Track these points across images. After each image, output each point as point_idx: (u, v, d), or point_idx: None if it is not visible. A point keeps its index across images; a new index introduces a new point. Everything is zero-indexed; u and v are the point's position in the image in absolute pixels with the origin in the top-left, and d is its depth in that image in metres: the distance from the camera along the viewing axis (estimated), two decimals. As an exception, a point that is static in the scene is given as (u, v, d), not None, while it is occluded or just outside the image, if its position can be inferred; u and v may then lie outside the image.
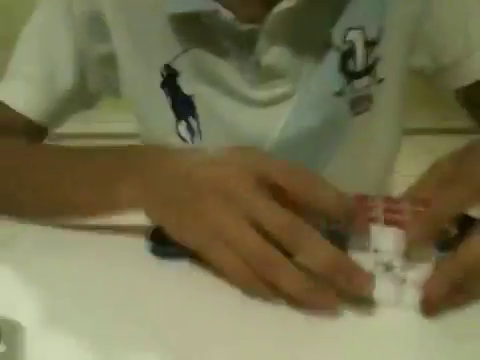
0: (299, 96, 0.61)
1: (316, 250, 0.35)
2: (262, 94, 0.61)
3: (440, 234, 0.40)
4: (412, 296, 0.35)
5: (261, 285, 0.36)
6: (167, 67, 0.61)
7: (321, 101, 0.61)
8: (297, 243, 0.35)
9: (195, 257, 0.39)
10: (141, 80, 0.63)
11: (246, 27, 0.56)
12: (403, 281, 0.36)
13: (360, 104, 0.62)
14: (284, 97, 0.61)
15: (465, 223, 0.43)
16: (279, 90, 0.60)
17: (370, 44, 0.60)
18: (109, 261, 0.41)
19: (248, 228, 0.36)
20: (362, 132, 0.64)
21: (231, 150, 0.41)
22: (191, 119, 0.62)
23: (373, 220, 0.37)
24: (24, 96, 0.62)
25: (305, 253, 0.35)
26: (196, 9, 0.56)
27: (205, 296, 0.37)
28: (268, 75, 0.59)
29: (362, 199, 0.40)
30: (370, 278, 0.34)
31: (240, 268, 0.36)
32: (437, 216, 0.39)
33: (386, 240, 0.36)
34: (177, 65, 0.61)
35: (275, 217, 0.36)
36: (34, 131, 0.64)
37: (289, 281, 0.35)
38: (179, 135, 0.63)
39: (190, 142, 0.63)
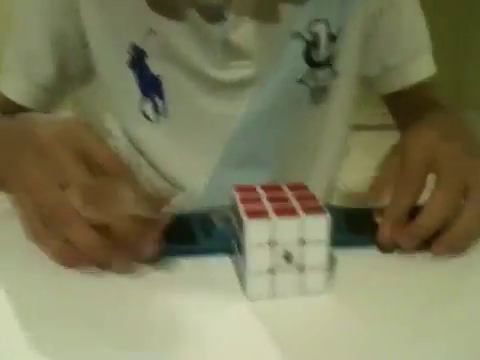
0: (263, 79, 0.63)
1: (79, 232, 0.37)
2: (227, 75, 0.62)
3: None
4: (314, 281, 0.37)
5: (49, 240, 0.38)
6: (134, 47, 0.61)
7: (284, 86, 0.63)
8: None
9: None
10: (109, 57, 0.63)
11: (215, 1, 0.58)
12: (302, 268, 0.37)
13: (319, 95, 0.66)
14: (249, 80, 0.62)
15: None
16: (244, 72, 0.62)
17: (331, 37, 0.63)
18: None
19: (51, 182, 0.38)
20: (317, 123, 0.68)
21: (66, 120, 0.43)
22: (157, 99, 0.63)
23: (262, 213, 0.36)
24: (14, 85, 0.66)
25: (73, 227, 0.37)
26: None
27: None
28: (234, 55, 0.61)
29: (245, 190, 0.40)
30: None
31: (32, 220, 0.39)
32: (429, 229, 0.42)
33: (281, 231, 0.35)
34: (145, 45, 0.61)
35: (76, 180, 0.38)
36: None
37: (79, 235, 0.37)
38: (144, 114, 0.64)
39: (155, 121, 0.64)
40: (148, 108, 0.64)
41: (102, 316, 0.35)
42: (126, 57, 0.62)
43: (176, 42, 0.61)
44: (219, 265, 0.42)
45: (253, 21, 0.60)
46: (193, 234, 0.44)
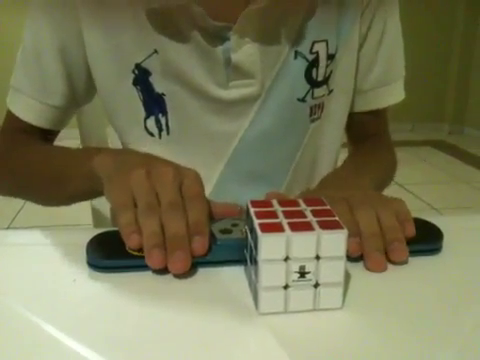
0: (265, 98, 0.64)
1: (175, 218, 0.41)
2: (230, 94, 0.62)
3: None
4: (329, 297, 0.36)
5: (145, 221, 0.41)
6: (138, 66, 0.62)
7: (285, 105, 0.65)
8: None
9: (132, 269, 0.41)
10: (112, 76, 0.64)
11: (218, 24, 0.59)
12: (317, 284, 0.36)
13: (316, 112, 0.67)
14: (251, 98, 0.63)
15: None
16: (247, 91, 0.63)
17: (330, 57, 0.65)
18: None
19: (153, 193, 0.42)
20: (315, 139, 0.70)
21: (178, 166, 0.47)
22: (160, 116, 0.64)
23: (278, 227, 0.35)
24: (26, 107, 0.67)
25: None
26: (168, 5, 0.58)
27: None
28: (237, 74, 0.62)
29: (260, 205, 0.39)
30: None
31: (128, 206, 0.42)
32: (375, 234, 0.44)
33: (297, 247, 0.35)
34: (148, 65, 0.62)
35: (168, 197, 0.42)
36: (44, 132, 0.69)
37: (174, 221, 0.40)
38: (147, 130, 0.65)
39: (157, 137, 0.65)
40: (151, 125, 0.65)
41: (104, 330, 0.35)
42: (130, 77, 0.63)
43: (179, 62, 0.61)
44: (230, 276, 0.42)
45: (256, 42, 0.61)
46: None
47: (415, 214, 0.47)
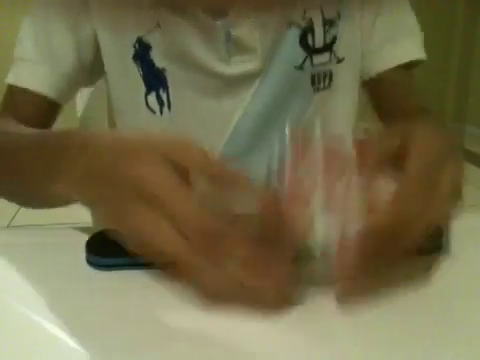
0: (265, 71, 0.64)
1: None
2: (231, 69, 0.63)
3: None
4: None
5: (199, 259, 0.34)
6: (140, 40, 0.62)
7: (284, 74, 0.65)
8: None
9: (132, 267, 0.41)
10: (114, 50, 0.64)
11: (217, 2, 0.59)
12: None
13: (320, 80, 0.66)
14: (252, 73, 0.64)
15: None
16: (248, 65, 0.63)
17: (328, 23, 0.64)
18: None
19: (171, 230, 0.34)
20: (323, 109, 0.68)
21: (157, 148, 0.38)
22: (161, 91, 0.64)
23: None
24: (33, 74, 0.65)
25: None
26: None
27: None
28: (237, 49, 0.62)
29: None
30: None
31: (182, 253, 0.34)
32: None
33: (325, 228, 0.33)
34: (150, 39, 0.62)
35: (194, 223, 0.34)
36: (46, 108, 0.67)
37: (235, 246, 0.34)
38: (148, 106, 0.65)
39: (159, 113, 0.65)
40: (152, 101, 0.65)
41: (104, 330, 0.35)
42: (132, 51, 0.63)
43: (181, 37, 0.62)
44: None
45: (253, 16, 0.61)
46: None
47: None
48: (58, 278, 0.41)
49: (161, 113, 0.65)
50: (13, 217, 2.40)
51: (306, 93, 0.66)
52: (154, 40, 0.62)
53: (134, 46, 0.63)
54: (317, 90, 0.67)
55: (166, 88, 0.64)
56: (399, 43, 0.69)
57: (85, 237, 0.44)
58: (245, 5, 0.61)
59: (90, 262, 0.42)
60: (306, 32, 0.64)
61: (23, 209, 2.46)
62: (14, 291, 0.39)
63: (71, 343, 0.33)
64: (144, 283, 0.40)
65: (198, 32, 0.61)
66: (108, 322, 0.35)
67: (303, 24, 0.64)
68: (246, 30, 0.61)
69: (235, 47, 0.62)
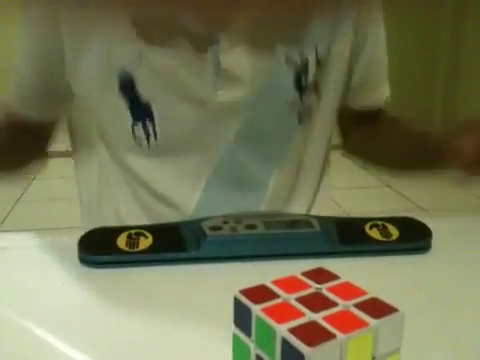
0: (254, 102, 0.62)
1: None
2: (218, 98, 0.61)
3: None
4: None
5: None
6: (123, 71, 0.61)
7: (274, 110, 0.64)
8: None
9: (124, 265, 0.42)
10: (97, 83, 0.63)
11: (208, 29, 0.58)
12: None
13: (303, 116, 0.67)
14: (239, 103, 0.62)
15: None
16: (236, 94, 0.61)
17: (319, 62, 0.64)
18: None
19: None
20: (302, 141, 0.69)
21: None
22: (148, 121, 0.63)
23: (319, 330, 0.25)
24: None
25: None
26: (154, 15, 0.57)
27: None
28: (226, 78, 0.60)
29: (256, 294, 0.28)
30: None
31: None
32: None
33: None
34: (134, 70, 0.60)
35: None
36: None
37: None
38: (134, 137, 0.64)
39: (145, 143, 0.64)
40: (139, 131, 0.64)
41: (95, 331, 0.35)
42: (115, 83, 0.61)
43: (166, 66, 0.60)
44: (222, 273, 0.42)
45: (246, 46, 0.60)
46: (184, 242, 0.44)
47: (405, 214, 0.47)
48: (49, 281, 0.41)
49: (148, 143, 0.64)
50: (2, 222, 2.39)
51: (291, 127, 0.67)
52: (138, 71, 0.60)
53: (118, 77, 0.61)
54: (300, 122, 0.67)
55: (152, 119, 0.63)
56: (373, 87, 0.73)
57: (75, 239, 0.44)
58: (238, 37, 0.59)
59: (82, 260, 0.42)
60: (301, 71, 0.63)
61: (12, 214, 2.44)
62: (5, 295, 0.39)
63: (62, 345, 0.33)
64: (135, 282, 0.40)
65: (184, 61, 0.59)
66: (99, 324, 0.35)
67: (299, 64, 0.63)
68: (236, 60, 0.60)
69: (224, 75, 0.60)
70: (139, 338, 0.33)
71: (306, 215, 0.47)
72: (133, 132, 0.64)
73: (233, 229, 0.44)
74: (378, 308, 0.26)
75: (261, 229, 0.45)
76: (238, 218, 0.46)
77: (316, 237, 0.45)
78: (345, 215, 0.51)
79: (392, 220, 0.49)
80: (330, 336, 0.24)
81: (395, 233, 0.47)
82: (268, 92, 0.63)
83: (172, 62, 0.60)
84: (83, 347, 0.32)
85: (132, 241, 0.43)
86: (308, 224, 0.46)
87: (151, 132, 0.64)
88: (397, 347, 0.26)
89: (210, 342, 0.33)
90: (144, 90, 0.61)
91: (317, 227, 0.46)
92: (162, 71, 0.60)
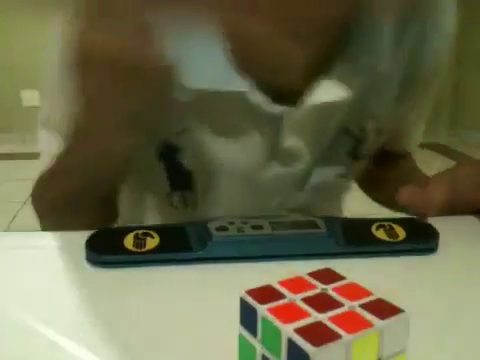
0: (304, 177, 0.59)
1: None
2: (267, 174, 0.57)
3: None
4: None
5: None
6: (166, 142, 0.56)
7: (324, 181, 0.61)
8: None
9: (132, 265, 0.42)
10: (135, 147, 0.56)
11: (276, 109, 0.52)
12: None
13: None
14: (290, 181, 0.59)
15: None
16: (286, 172, 0.57)
17: (379, 132, 0.61)
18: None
19: None
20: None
21: None
22: (188, 192, 0.59)
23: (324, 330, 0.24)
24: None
25: None
26: (221, 88, 0.49)
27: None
28: (281, 157, 0.56)
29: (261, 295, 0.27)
30: None
31: None
32: None
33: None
34: (177, 141, 0.55)
35: None
36: None
37: None
38: (171, 203, 0.60)
39: (182, 210, 0.60)
40: (176, 200, 0.60)
41: (104, 332, 0.35)
42: (155, 150, 0.57)
43: (214, 141, 0.55)
44: (229, 273, 0.42)
45: (309, 126, 0.56)
46: (190, 243, 0.44)
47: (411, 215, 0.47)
48: (56, 281, 0.41)
49: (185, 211, 0.60)
50: (11, 221, 2.40)
51: (340, 190, 0.68)
52: (181, 142, 0.55)
53: (159, 147, 0.56)
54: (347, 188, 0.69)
55: (192, 189, 0.58)
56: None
57: (83, 240, 0.44)
58: (303, 120, 0.54)
59: (90, 260, 0.43)
60: (359, 143, 0.60)
61: (21, 214, 2.45)
62: (13, 296, 0.39)
63: (70, 346, 0.33)
64: (143, 282, 0.40)
65: (234, 137, 0.55)
66: (107, 325, 0.35)
67: (359, 135, 0.59)
68: (297, 139, 0.55)
69: (276, 154, 0.56)
70: (146, 337, 0.34)
71: (312, 216, 0.47)
72: (169, 199, 0.60)
73: (239, 229, 0.44)
74: (384, 309, 0.26)
75: (267, 230, 0.45)
76: (244, 219, 0.46)
77: (322, 238, 0.45)
78: (351, 216, 0.52)
79: (399, 221, 0.49)
80: (335, 336, 0.24)
81: (402, 234, 0.47)
82: (321, 165, 0.60)
83: (222, 137, 0.55)
84: (91, 347, 0.33)
85: (139, 241, 0.44)
86: (314, 225, 0.46)
87: (189, 201, 0.60)
88: (403, 348, 0.27)
89: (216, 342, 0.33)
90: (186, 159, 0.57)
91: (323, 228, 0.46)
92: (208, 145, 0.55)
